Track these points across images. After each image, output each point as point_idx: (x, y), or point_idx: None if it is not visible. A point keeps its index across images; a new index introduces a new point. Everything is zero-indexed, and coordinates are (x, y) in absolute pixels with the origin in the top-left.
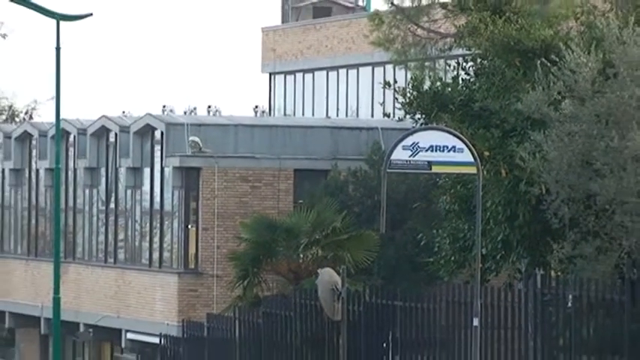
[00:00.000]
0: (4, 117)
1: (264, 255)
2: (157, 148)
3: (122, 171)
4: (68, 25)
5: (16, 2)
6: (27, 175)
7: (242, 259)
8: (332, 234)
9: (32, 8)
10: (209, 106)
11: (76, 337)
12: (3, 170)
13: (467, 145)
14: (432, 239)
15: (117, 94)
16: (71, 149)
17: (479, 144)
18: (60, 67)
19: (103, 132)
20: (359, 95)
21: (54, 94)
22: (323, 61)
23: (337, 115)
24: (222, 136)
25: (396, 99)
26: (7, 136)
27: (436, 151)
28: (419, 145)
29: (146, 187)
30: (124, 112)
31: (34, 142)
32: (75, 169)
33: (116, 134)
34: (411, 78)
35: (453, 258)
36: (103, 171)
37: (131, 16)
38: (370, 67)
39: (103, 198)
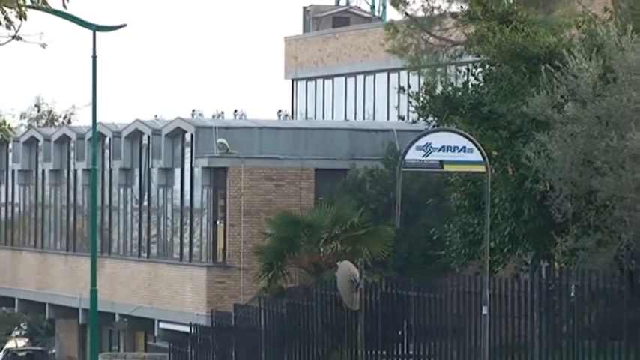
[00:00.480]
0: (44, 121)
1: (287, 249)
2: (187, 149)
3: (154, 171)
4: (104, 35)
5: (55, 14)
6: (66, 175)
7: (267, 252)
8: (350, 229)
9: (70, 20)
10: (235, 111)
11: (112, 327)
12: (43, 171)
13: (476, 146)
14: (444, 233)
15: (149, 99)
16: (107, 151)
17: (487, 144)
18: (96, 74)
19: (136, 135)
20: (375, 99)
21: (90, 99)
22: (342, 68)
23: (355, 118)
24: (248, 138)
25: (410, 103)
26: (47, 139)
27: (447, 151)
28: (431, 145)
29: (177, 186)
30: (156, 116)
31: (72, 144)
32: (110, 170)
33: (149, 137)
34: (424, 83)
35: (463, 251)
36: (136, 171)
37: (163, 26)
38: (386, 73)
39: (137, 196)
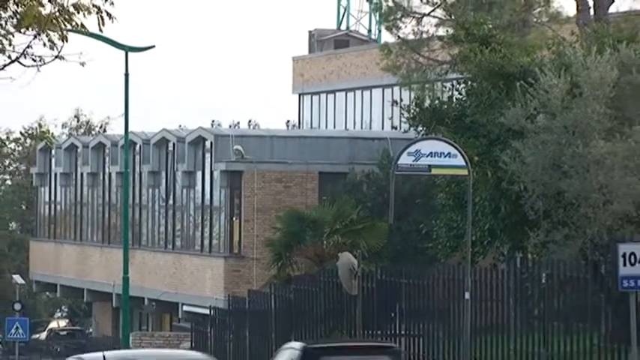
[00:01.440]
0: (82, 130)
1: (295, 242)
2: (207, 155)
3: (179, 174)
4: (135, 55)
5: (92, 37)
6: (101, 177)
7: (276, 245)
8: (349, 224)
9: (105, 42)
10: (249, 121)
11: (142, 310)
12: (82, 174)
13: (459, 152)
14: (431, 228)
15: (174, 110)
16: (137, 156)
17: (469, 151)
18: (128, 89)
19: (163, 142)
20: (372, 111)
21: (123, 111)
22: (342, 84)
23: (354, 128)
24: (260, 145)
25: (402, 114)
26: (85, 146)
27: (434, 156)
28: (421, 151)
29: (198, 187)
30: (180, 126)
31: (107, 150)
32: (140, 173)
33: (174, 144)
34: (414, 97)
35: (448, 244)
36: (163, 174)
37: (188, 47)
38: (381, 89)
39: (163, 196)
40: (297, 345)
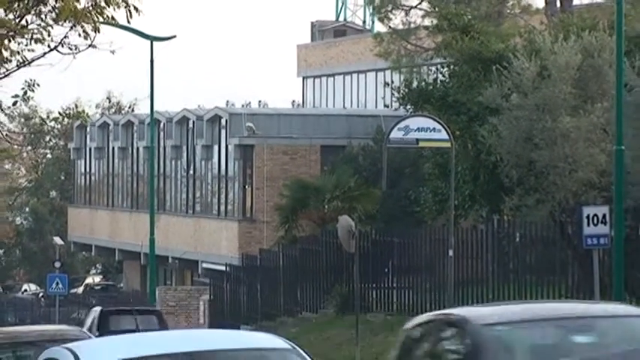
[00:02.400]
0: (113, 110)
1: (300, 206)
2: (223, 131)
3: (198, 148)
4: (159, 43)
5: (121, 28)
6: (130, 151)
7: (284, 209)
8: (348, 191)
9: (133, 32)
10: (259, 101)
11: (166, 267)
12: (113, 148)
13: (443, 127)
14: (419, 194)
15: (194, 91)
16: (161, 132)
17: (452, 126)
18: (153, 74)
19: (184, 120)
20: (366, 92)
21: (149, 93)
22: (341, 69)
23: (351, 107)
24: (269, 123)
25: (393, 95)
26: (116, 124)
27: (422, 131)
28: (409, 127)
29: (215, 159)
30: (199, 105)
31: (135, 127)
32: (164, 147)
33: (193, 122)
34: (404, 80)
35: (434, 207)
36: (184, 148)
37: (206, 35)
38: (374, 73)
39: (184, 167)
40: (97, 308)
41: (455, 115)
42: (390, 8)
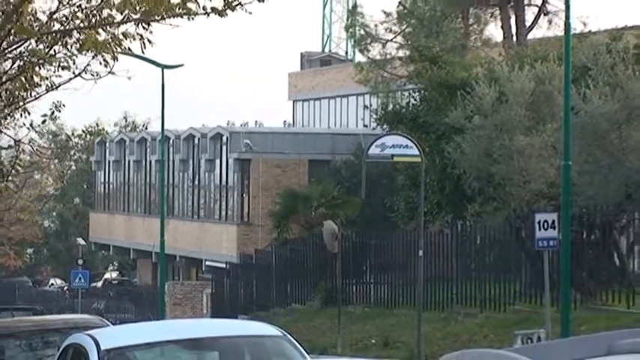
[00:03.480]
0: (129, 128)
1: (290, 212)
2: (224, 147)
3: (202, 161)
4: (169, 70)
5: (136, 57)
6: (143, 164)
7: (276, 215)
8: (331, 199)
9: (147, 61)
10: (256, 121)
11: (174, 264)
12: (129, 161)
13: (414, 144)
14: (393, 202)
15: (200, 112)
16: (171, 148)
17: (422, 143)
18: (164, 97)
19: (190, 137)
20: (348, 114)
21: (160, 113)
22: (326, 93)
23: (335, 126)
24: (264, 140)
25: (371, 116)
26: (131, 140)
27: (396, 148)
28: (385, 144)
29: (217, 171)
30: (203, 125)
31: (148, 143)
32: (173, 160)
33: (199, 139)
34: (381, 103)
35: (406, 214)
36: (190, 161)
37: (210, 63)
38: (355, 97)
39: (191, 178)
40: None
41: (424, 133)
42: (369, 41)
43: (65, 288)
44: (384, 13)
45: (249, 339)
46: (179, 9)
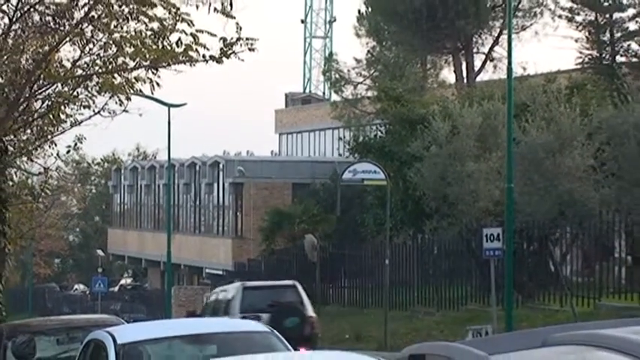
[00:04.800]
0: (141, 157)
1: (277, 228)
2: (221, 173)
3: (202, 185)
4: (175, 109)
5: (146, 97)
6: (153, 188)
7: (265, 230)
8: (311, 217)
9: (155, 101)
10: (247, 151)
11: (179, 272)
12: (140, 185)
13: (381, 170)
14: (364, 219)
15: (200, 143)
16: (176, 174)
17: (387, 169)
18: (170, 131)
19: (192, 165)
20: (326, 144)
21: (167, 145)
22: (307, 127)
23: (315, 155)
24: (254, 167)
25: (345, 146)
26: (142, 167)
27: (365, 173)
28: (356, 170)
29: (215, 193)
30: (203, 154)
31: (156, 170)
32: (178, 184)
33: (199, 165)
34: (353, 135)
35: (374, 229)
36: (192, 185)
37: (207, 103)
38: (331, 130)
39: (193, 199)
40: None
41: (390, 161)
42: (342, 83)
43: (87, 292)
44: (355, 60)
45: (241, 334)
46: (182, 57)
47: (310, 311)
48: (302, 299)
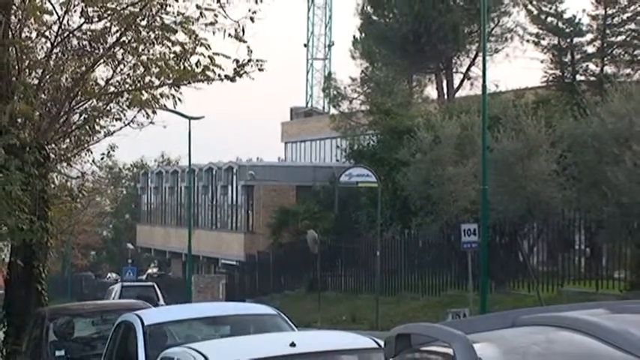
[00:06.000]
0: (165, 163)
1: (283, 224)
2: (234, 176)
3: (219, 187)
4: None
5: (169, 111)
6: (176, 189)
7: (273, 226)
8: (313, 214)
9: (177, 114)
10: (257, 157)
11: (198, 262)
12: (165, 187)
13: (373, 174)
14: (358, 216)
15: (216, 150)
16: (196, 177)
17: (379, 173)
18: (190, 140)
19: (210, 169)
20: (325, 152)
21: (187, 152)
22: (309, 137)
23: (316, 161)
24: (264, 171)
25: (342, 153)
26: (167, 172)
27: (360, 176)
28: (352, 174)
29: (229, 194)
30: (219, 160)
31: (179, 174)
32: (197, 186)
33: (216, 170)
34: (349, 144)
35: (367, 225)
36: (210, 187)
37: (224, 116)
38: (330, 140)
39: (210, 199)
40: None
41: (380, 166)
42: (340, 99)
43: (119, 280)
44: (351, 78)
45: (252, 316)
46: (201, 76)
47: (162, 301)
48: (157, 295)
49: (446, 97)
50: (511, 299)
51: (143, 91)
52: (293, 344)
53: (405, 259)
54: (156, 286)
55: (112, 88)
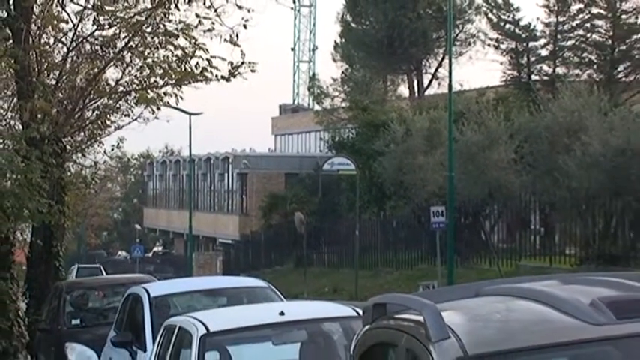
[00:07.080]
0: (169, 153)
1: (273, 207)
2: (230, 165)
3: (216, 175)
4: (194, 116)
5: (171, 107)
6: (178, 177)
7: (264, 209)
8: (300, 199)
9: (179, 110)
10: (250, 148)
11: (198, 241)
12: (169, 175)
13: (353, 163)
14: (339, 200)
15: (214, 142)
16: (196, 166)
17: (358, 162)
18: (191, 134)
19: (208, 159)
20: (310, 144)
21: (188, 143)
22: (296, 130)
23: (302, 152)
24: (256, 160)
25: (326, 144)
26: (170, 161)
27: (341, 165)
28: (334, 163)
29: (225, 181)
30: (216, 151)
31: (181, 163)
32: (197, 174)
33: (213, 160)
34: (331, 136)
35: (347, 208)
36: (208, 175)
37: (222, 109)
38: (315, 132)
39: (209, 185)
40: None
41: (359, 156)
42: (323, 97)
43: (128, 257)
44: (333, 79)
45: (246, 289)
46: (200, 77)
47: None
48: (103, 273)
49: (416, 94)
50: (474, 273)
51: (149, 90)
52: (282, 313)
53: (380, 237)
54: (102, 267)
55: (121, 88)
